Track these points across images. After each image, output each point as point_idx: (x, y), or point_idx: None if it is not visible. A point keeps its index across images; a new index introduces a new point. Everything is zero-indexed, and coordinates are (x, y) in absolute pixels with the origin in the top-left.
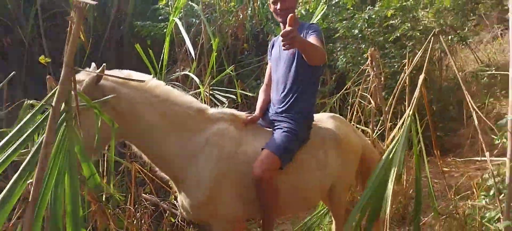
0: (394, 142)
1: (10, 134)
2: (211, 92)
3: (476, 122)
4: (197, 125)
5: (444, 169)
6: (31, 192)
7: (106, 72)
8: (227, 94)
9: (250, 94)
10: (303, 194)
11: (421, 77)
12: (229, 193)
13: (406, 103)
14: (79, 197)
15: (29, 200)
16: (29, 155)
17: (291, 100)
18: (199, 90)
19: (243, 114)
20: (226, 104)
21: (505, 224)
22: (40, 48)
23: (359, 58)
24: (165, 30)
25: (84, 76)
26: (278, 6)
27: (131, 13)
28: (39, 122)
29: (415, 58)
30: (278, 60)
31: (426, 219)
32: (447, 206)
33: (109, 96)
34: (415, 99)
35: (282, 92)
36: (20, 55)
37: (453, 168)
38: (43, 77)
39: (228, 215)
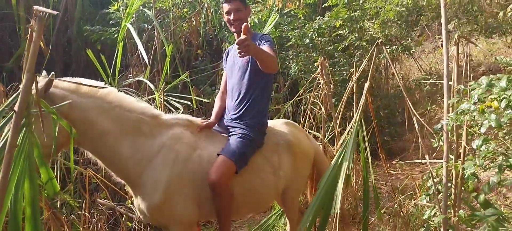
0: (342, 146)
1: None
2: (165, 98)
3: (416, 127)
4: (151, 130)
5: (390, 171)
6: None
7: (58, 79)
8: (181, 100)
9: (205, 100)
10: (257, 196)
11: (366, 85)
12: (184, 196)
13: (354, 109)
14: (38, 201)
15: None
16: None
17: (245, 107)
18: (153, 96)
19: (198, 120)
20: (181, 111)
21: (440, 217)
22: None
23: (310, 66)
24: (116, 35)
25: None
26: (231, 17)
27: (78, 17)
28: None
29: (361, 67)
30: (232, 68)
31: (373, 218)
32: (393, 206)
33: (65, 102)
34: (361, 106)
35: (236, 100)
36: None
37: (399, 171)
38: None
39: (184, 218)
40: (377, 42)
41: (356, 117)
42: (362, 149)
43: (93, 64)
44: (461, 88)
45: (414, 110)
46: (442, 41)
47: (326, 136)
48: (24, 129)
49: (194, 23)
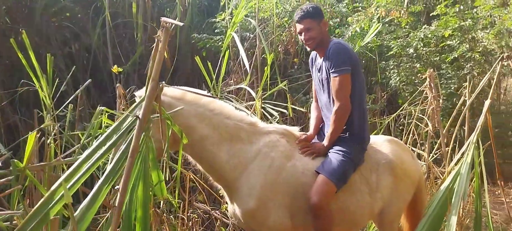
0: (456, 170)
1: (98, 142)
2: (262, 105)
3: None
4: (248, 137)
5: (501, 198)
6: (118, 197)
7: (166, 87)
8: (277, 108)
9: (300, 108)
10: (350, 216)
11: (487, 102)
12: (278, 204)
13: (466, 128)
14: (149, 202)
15: (116, 205)
16: (113, 162)
17: (346, 127)
18: (251, 102)
19: (297, 131)
20: (277, 118)
21: None
22: (103, 56)
23: (413, 77)
24: (220, 43)
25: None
26: (302, 37)
27: (187, 26)
28: (123, 130)
29: (481, 82)
30: (319, 84)
31: None
32: None
33: (177, 109)
34: (480, 125)
35: (329, 117)
36: (85, 61)
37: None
38: (104, 83)
39: (276, 226)
40: (502, 56)
41: (473, 137)
42: (477, 174)
43: (198, 70)
44: None
45: None
46: None
47: (431, 155)
48: (143, 133)
49: (293, 32)
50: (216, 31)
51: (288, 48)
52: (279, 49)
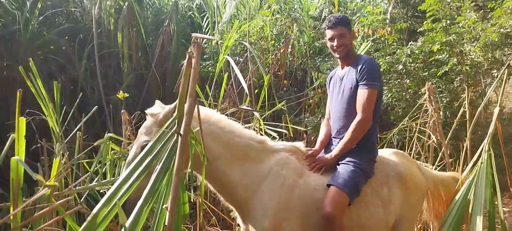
0: (470, 178)
1: (136, 160)
2: (261, 126)
3: None
4: (259, 155)
5: (510, 206)
6: (167, 219)
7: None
8: (276, 129)
9: (299, 128)
10: (365, 230)
11: (496, 110)
12: (292, 222)
13: (467, 138)
14: (182, 221)
15: (169, 209)
16: (151, 181)
17: None
18: (247, 125)
19: (302, 146)
20: (277, 138)
21: None
22: (90, 87)
23: (404, 93)
24: (210, 68)
25: (158, 109)
26: (335, 43)
27: (174, 53)
28: (159, 147)
29: (489, 91)
30: (333, 94)
31: None
32: None
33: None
34: (491, 133)
35: (343, 128)
36: (72, 92)
37: None
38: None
39: None
40: (508, 64)
41: (486, 144)
42: (490, 181)
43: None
44: None
45: None
46: None
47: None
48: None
49: (280, 54)
50: (204, 57)
51: (276, 70)
52: (269, 72)
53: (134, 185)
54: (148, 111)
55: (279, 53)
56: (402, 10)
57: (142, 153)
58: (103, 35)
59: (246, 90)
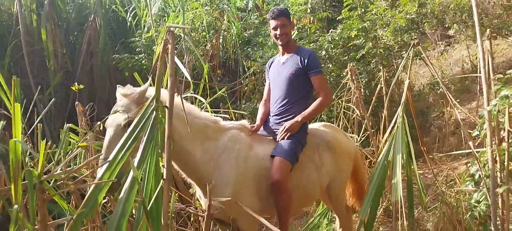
0: (389, 141)
1: (128, 131)
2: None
3: (459, 118)
4: (215, 134)
5: (423, 169)
6: (165, 172)
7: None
8: (219, 115)
9: (240, 112)
10: (304, 192)
11: (406, 81)
12: (249, 191)
13: (385, 110)
14: (160, 174)
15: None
16: (141, 149)
17: (291, 111)
18: None
19: (247, 124)
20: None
21: (504, 188)
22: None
23: (328, 76)
24: (143, 61)
25: (130, 90)
26: (278, 32)
27: (102, 49)
28: (152, 120)
29: (400, 68)
30: (277, 78)
31: (418, 210)
32: (436, 198)
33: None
34: (403, 101)
35: (282, 105)
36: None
37: (427, 169)
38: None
39: (250, 209)
40: (413, 44)
41: (400, 111)
42: (405, 143)
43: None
44: (498, 77)
45: (455, 102)
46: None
47: (359, 136)
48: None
49: (212, 45)
50: (137, 50)
51: (209, 61)
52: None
53: (126, 154)
54: (121, 91)
55: (211, 44)
56: (321, 0)
57: (131, 126)
58: (23, 32)
59: (189, 78)
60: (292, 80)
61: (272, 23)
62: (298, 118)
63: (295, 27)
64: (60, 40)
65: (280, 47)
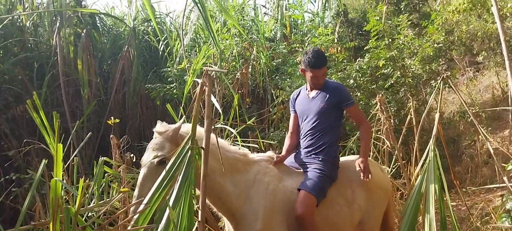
0: (422, 174)
1: (164, 171)
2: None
3: (491, 149)
4: (244, 167)
5: (456, 201)
6: (200, 213)
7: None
8: (247, 144)
9: (271, 141)
10: (334, 227)
11: (437, 115)
12: (278, 222)
13: (416, 141)
14: (193, 215)
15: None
16: (176, 188)
17: (320, 145)
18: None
19: (273, 155)
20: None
21: None
22: (48, 115)
23: None
24: (174, 90)
25: (164, 127)
26: (319, 81)
27: (135, 77)
28: (187, 158)
29: (430, 99)
30: (305, 113)
31: None
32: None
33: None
34: (435, 134)
35: (313, 138)
36: (30, 121)
37: (459, 202)
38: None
39: None
40: (443, 77)
41: (431, 144)
42: (437, 176)
43: (148, 121)
44: None
45: (486, 135)
46: (473, 73)
47: (391, 169)
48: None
49: (242, 74)
50: (169, 80)
51: (238, 89)
52: (235, 92)
53: (163, 192)
54: (156, 129)
55: (240, 73)
56: (347, 29)
57: (168, 165)
58: (61, 63)
59: (219, 110)
60: (323, 113)
61: (314, 71)
62: (362, 154)
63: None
64: (95, 70)
65: (307, 84)
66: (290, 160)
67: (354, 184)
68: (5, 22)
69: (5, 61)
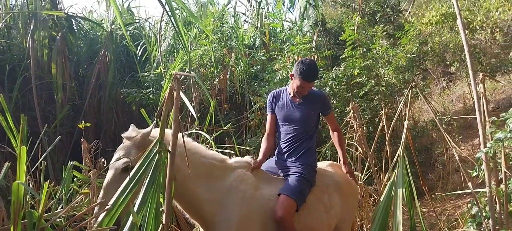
0: (390, 181)
1: (130, 174)
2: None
3: (457, 158)
4: (220, 173)
5: (423, 209)
6: (164, 216)
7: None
8: (223, 150)
9: (247, 147)
10: None
11: (406, 122)
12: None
13: (387, 148)
14: (160, 216)
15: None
16: (142, 192)
17: (301, 149)
18: None
19: (251, 160)
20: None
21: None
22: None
23: None
24: (150, 95)
25: (133, 132)
26: (303, 92)
27: (111, 82)
28: (155, 162)
29: (400, 106)
30: (289, 117)
31: None
32: None
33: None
34: (403, 141)
35: (296, 143)
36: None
37: (430, 208)
38: None
39: None
40: (411, 86)
41: (400, 150)
42: (406, 182)
43: (122, 126)
44: (492, 120)
45: (453, 143)
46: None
47: (363, 176)
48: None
49: (220, 80)
50: (145, 85)
51: (216, 95)
52: (212, 97)
53: (127, 199)
54: (124, 135)
55: (218, 79)
56: (325, 38)
57: (134, 169)
58: (34, 66)
59: (193, 112)
60: (308, 119)
61: (302, 83)
62: (343, 160)
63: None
64: (70, 73)
65: (291, 92)
66: (269, 164)
67: (330, 189)
68: None
69: None
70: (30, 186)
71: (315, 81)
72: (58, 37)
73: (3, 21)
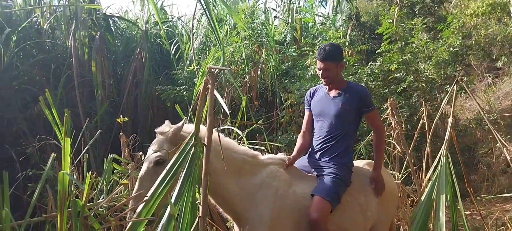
0: (432, 181)
1: (167, 167)
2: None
3: (508, 157)
4: (252, 169)
5: (470, 210)
6: (201, 209)
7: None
8: (254, 146)
9: (278, 144)
10: None
11: (450, 120)
12: (285, 228)
13: (427, 147)
14: (196, 210)
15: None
16: (178, 185)
17: (336, 148)
18: None
19: (284, 157)
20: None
21: None
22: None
23: None
24: (184, 93)
25: (167, 128)
26: (320, 74)
27: (146, 80)
28: (190, 156)
29: (443, 104)
30: (324, 112)
31: None
32: None
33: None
34: (447, 140)
35: (329, 142)
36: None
37: (474, 211)
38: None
39: None
40: (457, 80)
41: (443, 149)
42: (449, 183)
43: (158, 122)
44: None
45: (503, 142)
46: (491, 79)
47: (401, 175)
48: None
49: (251, 77)
50: (179, 82)
51: (247, 92)
52: (243, 94)
53: (164, 191)
54: (158, 130)
55: (249, 76)
56: (359, 32)
57: (169, 163)
58: (76, 64)
59: (225, 107)
60: (343, 116)
61: (318, 63)
62: (377, 169)
63: None
64: (108, 71)
65: (322, 81)
66: (302, 162)
67: (367, 190)
68: (24, 25)
69: (24, 63)
70: (74, 176)
71: (334, 62)
72: (97, 36)
73: (47, 23)
